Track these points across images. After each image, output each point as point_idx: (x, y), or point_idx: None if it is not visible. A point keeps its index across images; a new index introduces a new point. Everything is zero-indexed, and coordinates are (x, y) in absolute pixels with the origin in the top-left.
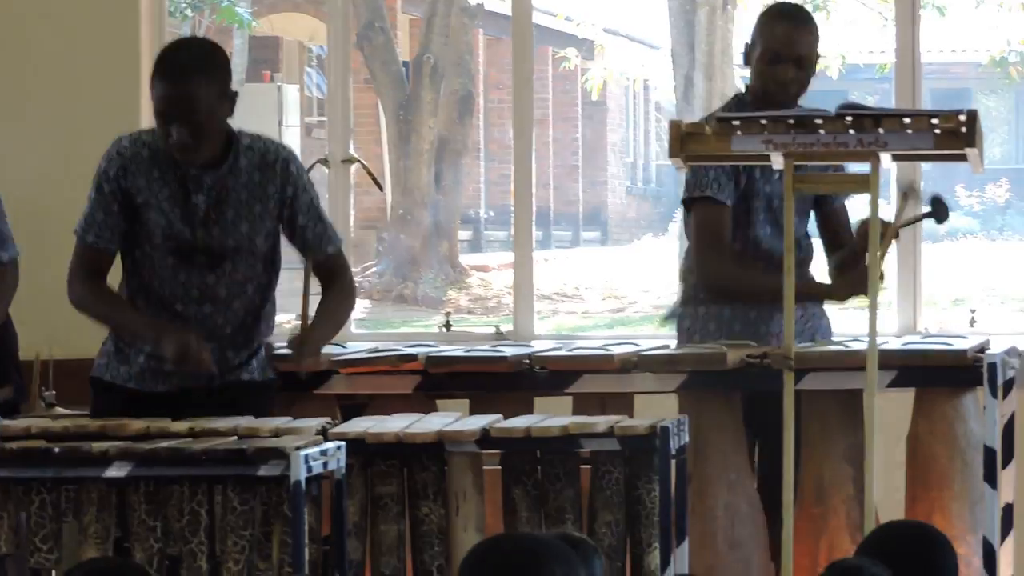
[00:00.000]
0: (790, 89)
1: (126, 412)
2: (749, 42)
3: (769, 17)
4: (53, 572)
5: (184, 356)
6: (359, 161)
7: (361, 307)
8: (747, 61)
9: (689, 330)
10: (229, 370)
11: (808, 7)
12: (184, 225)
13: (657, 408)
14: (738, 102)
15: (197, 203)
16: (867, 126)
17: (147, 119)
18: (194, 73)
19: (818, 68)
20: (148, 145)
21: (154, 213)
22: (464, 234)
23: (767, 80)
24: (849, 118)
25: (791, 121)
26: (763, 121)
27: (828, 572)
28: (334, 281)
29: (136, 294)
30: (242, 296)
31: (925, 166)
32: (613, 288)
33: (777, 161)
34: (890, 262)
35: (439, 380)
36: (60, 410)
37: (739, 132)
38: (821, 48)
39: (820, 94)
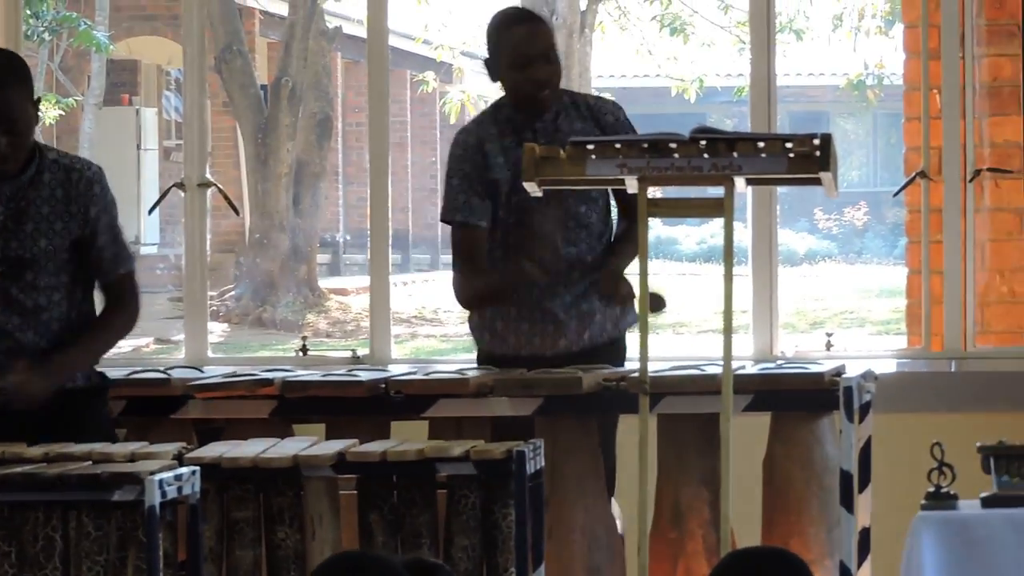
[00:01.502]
0: (552, 82)
1: None
2: (489, 57)
3: (503, 26)
4: None
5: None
6: (215, 185)
7: (219, 331)
8: (495, 76)
9: (479, 328)
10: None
11: (666, 30)
12: None
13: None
14: (496, 109)
15: None
16: (721, 150)
17: None
18: (10, 81)
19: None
20: None
21: None
22: (323, 257)
23: (526, 84)
24: (703, 142)
25: (645, 145)
26: (617, 145)
27: None
28: (118, 303)
29: None
30: (51, 308)
31: (782, 189)
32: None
33: (632, 185)
34: (744, 287)
35: (295, 405)
36: None
37: (593, 156)
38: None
39: (677, 117)
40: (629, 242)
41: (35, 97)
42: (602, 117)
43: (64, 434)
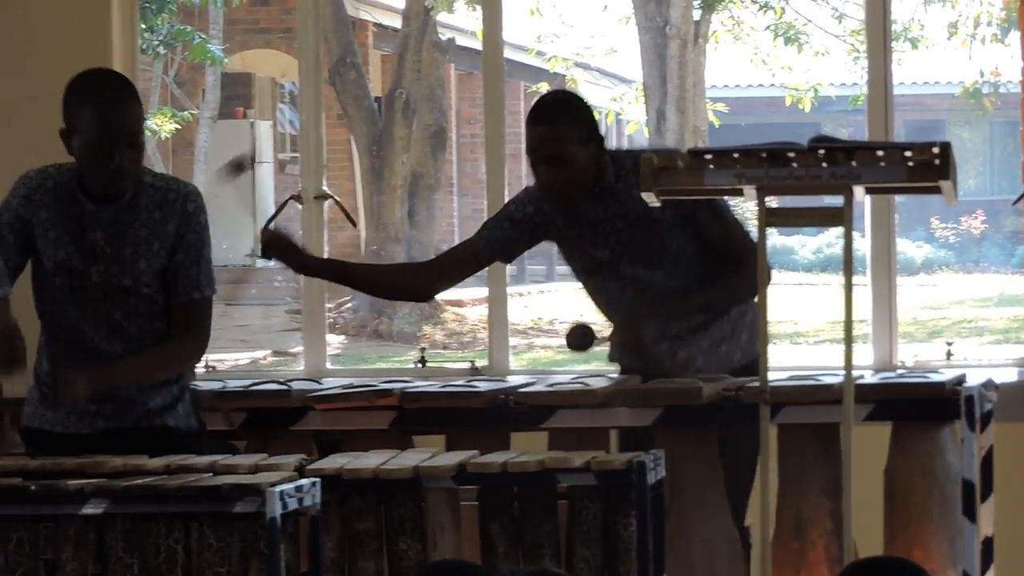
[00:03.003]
0: (556, 190)
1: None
2: None
3: (528, 121)
4: None
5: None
6: (332, 197)
7: (336, 343)
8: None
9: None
10: (151, 413)
11: (780, 39)
12: (81, 261)
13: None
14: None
15: (95, 239)
16: (840, 159)
17: None
18: (127, 97)
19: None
20: (53, 179)
21: (53, 248)
22: None
23: (539, 180)
24: (822, 151)
25: (763, 155)
26: (735, 155)
27: None
28: (185, 330)
29: (51, 338)
30: (153, 333)
31: (899, 198)
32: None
33: (750, 194)
34: (863, 296)
35: (415, 416)
36: None
37: (712, 166)
38: (791, 83)
39: (792, 126)
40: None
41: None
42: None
43: None
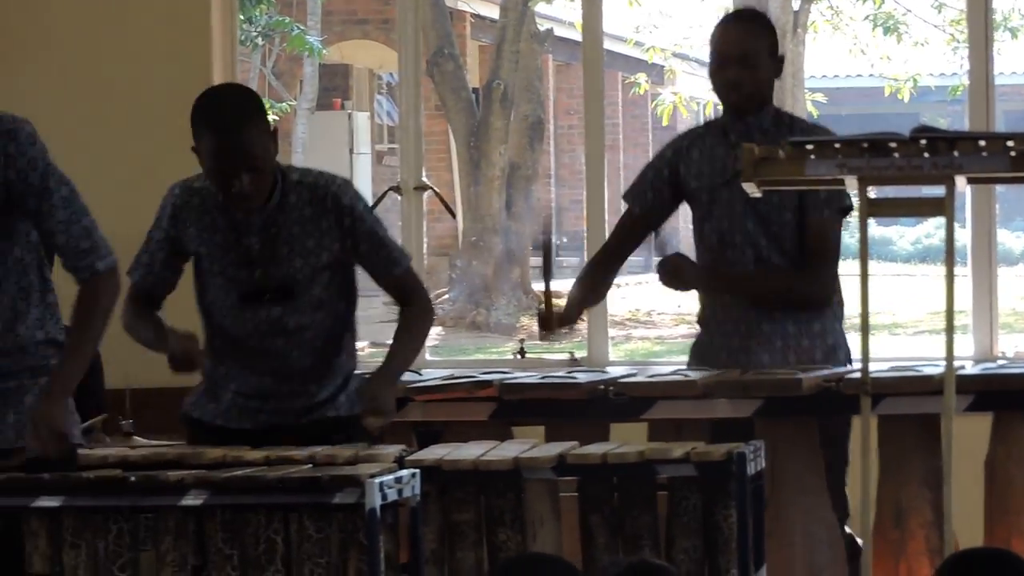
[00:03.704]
0: (741, 90)
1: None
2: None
3: (720, 23)
4: None
5: (176, 356)
6: (432, 188)
7: (434, 334)
8: (710, 75)
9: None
10: (315, 406)
11: (879, 29)
12: (240, 268)
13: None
14: (717, 115)
15: (250, 244)
16: (942, 149)
17: None
18: (244, 121)
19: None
20: (198, 192)
21: (208, 260)
22: (536, 260)
23: (718, 85)
24: (924, 141)
25: (865, 145)
26: (837, 145)
27: None
28: (407, 303)
29: (214, 336)
30: (314, 327)
31: (999, 188)
32: (686, 313)
33: (851, 185)
34: (963, 287)
35: (514, 407)
36: (138, 439)
37: (813, 156)
38: (890, 73)
39: (892, 117)
40: None
41: (271, 128)
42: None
43: None
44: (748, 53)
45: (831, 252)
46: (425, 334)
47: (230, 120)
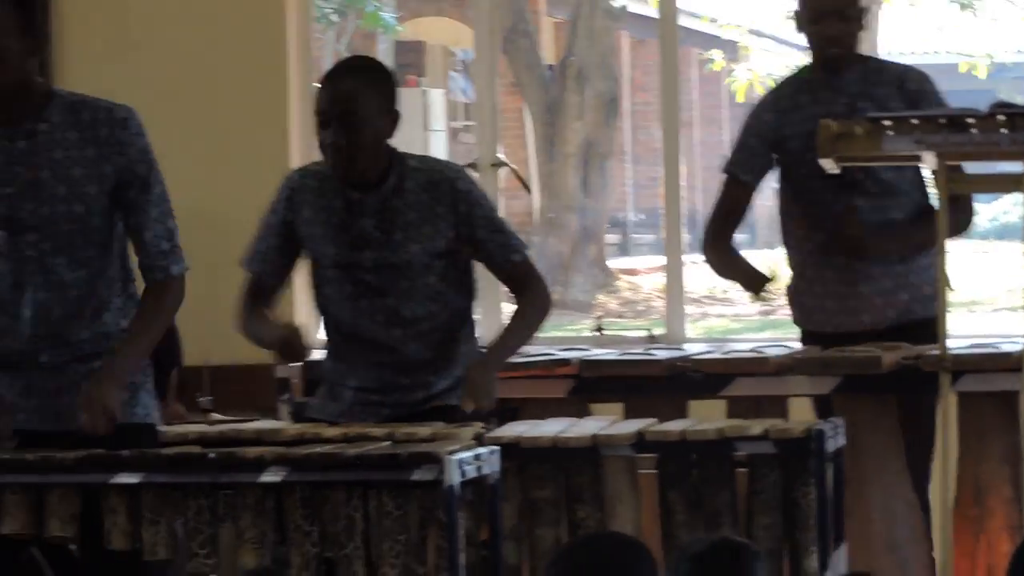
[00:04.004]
0: (842, 42)
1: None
2: (797, 8)
3: None
4: None
5: (281, 347)
6: (508, 165)
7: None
8: (800, 29)
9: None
10: (434, 396)
11: (955, 6)
12: (354, 250)
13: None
14: (801, 69)
15: (364, 227)
16: (1020, 125)
17: (295, 123)
18: (357, 78)
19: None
20: (316, 175)
21: (321, 244)
22: (612, 238)
23: (817, 39)
24: (1002, 117)
25: (942, 121)
26: (915, 121)
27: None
28: (522, 292)
29: (332, 333)
30: (430, 318)
31: None
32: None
33: (929, 161)
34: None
35: (593, 384)
36: (216, 416)
37: (890, 132)
38: (965, 51)
39: (968, 94)
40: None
41: (392, 108)
42: (906, 83)
43: None
44: (844, 6)
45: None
46: (539, 323)
47: (343, 69)
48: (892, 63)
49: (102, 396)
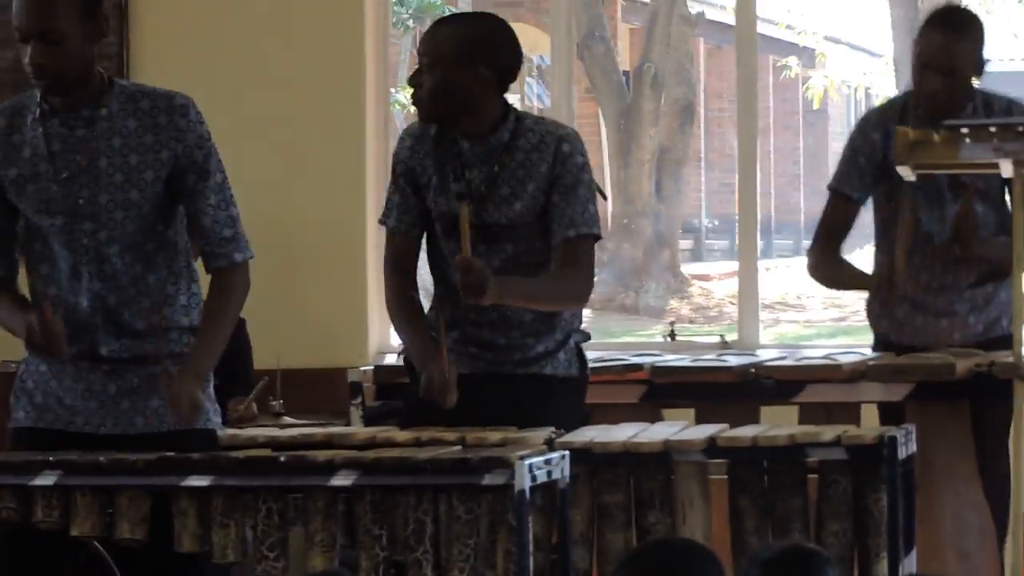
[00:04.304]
0: (936, 99)
1: (430, 412)
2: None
3: (928, 24)
4: None
5: (429, 382)
6: None
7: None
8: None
9: (879, 317)
10: (531, 359)
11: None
12: (456, 200)
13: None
14: (908, 95)
15: (471, 178)
16: None
17: (371, 125)
18: (450, 28)
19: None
20: (425, 130)
21: (434, 193)
22: (685, 243)
23: (918, 87)
24: None
25: (1021, 129)
26: (992, 129)
27: None
28: (563, 268)
29: (439, 283)
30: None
31: None
32: (835, 297)
33: (1006, 169)
34: None
35: (664, 389)
36: (288, 419)
37: (968, 140)
38: (988, 53)
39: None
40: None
41: (497, 66)
42: (1013, 116)
43: (542, 420)
44: (953, 67)
45: None
46: (561, 295)
47: (443, 23)
48: (1000, 97)
49: (187, 390)
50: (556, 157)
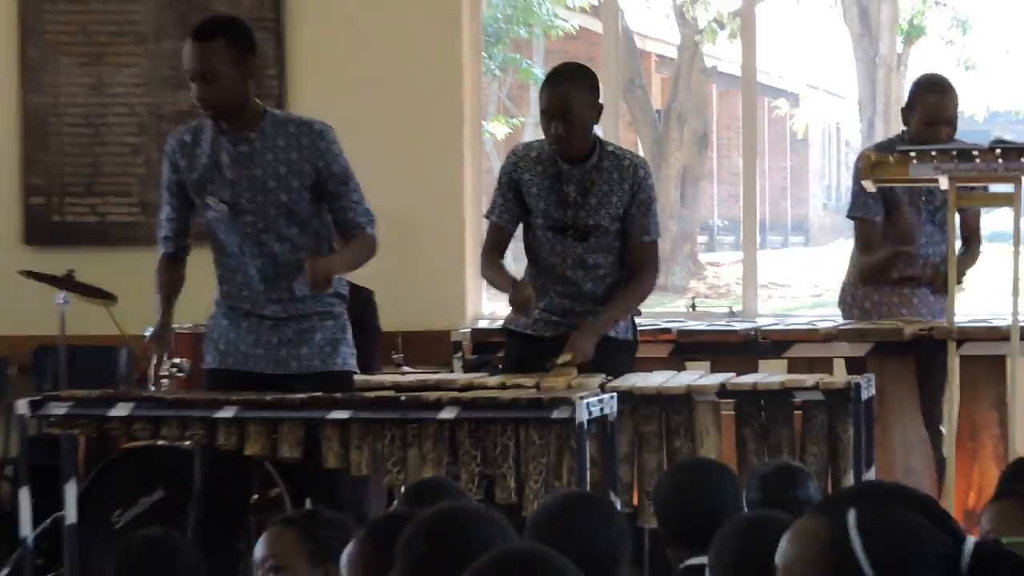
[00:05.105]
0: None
1: (525, 351)
2: (906, 107)
3: (922, 89)
4: (401, 488)
5: (516, 298)
6: None
7: None
8: (906, 121)
9: (851, 306)
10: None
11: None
12: (558, 208)
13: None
14: (900, 139)
15: (568, 192)
16: (1012, 156)
17: (468, 148)
18: (571, 82)
19: (966, 113)
20: (535, 149)
21: (535, 200)
22: (702, 239)
23: (928, 139)
24: (998, 150)
25: (954, 153)
26: (933, 153)
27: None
28: (635, 271)
29: (532, 263)
30: (606, 266)
31: None
32: (814, 279)
33: (943, 182)
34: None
35: (687, 347)
36: (407, 369)
37: (915, 161)
38: (968, 100)
39: (968, 134)
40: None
41: (597, 103)
42: None
43: (602, 371)
44: (951, 117)
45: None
46: (639, 300)
47: (558, 76)
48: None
49: (323, 268)
50: (635, 179)
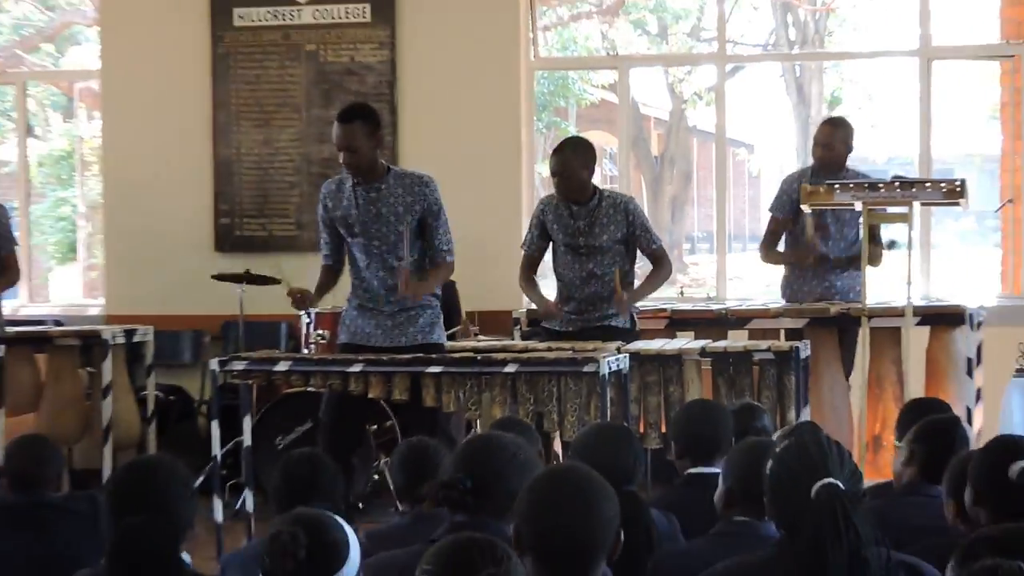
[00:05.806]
0: (823, 161)
1: (554, 341)
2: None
3: (822, 123)
4: (477, 422)
5: (543, 313)
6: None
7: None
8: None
9: (789, 294)
10: (606, 317)
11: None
12: (571, 237)
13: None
14: (810, 168)
15: (578, 226)
16: (907, 188)
17: (524, 183)
18: (563, 152)
19: (870, 158)
20: (555, 198)
21: (556, 232)
22: (686, 246)
23: (816, 158)
24: (898, 183)
25: (866, 185)
26: (851, 185)
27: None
28: (655, 266)
29: (558, 278)
30: (610, 275)
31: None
32: (765, 275)
33: (858, 205)
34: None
35: (678, 322)
36: (482, 338)
37: (838, 190)
38: (872, 149)
39: (873, 172)
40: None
41: (591, 163)
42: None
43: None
44: (831, 143)
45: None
46: (662, 283)
47: (560, 147)
48: (857, 172)
49: (413, 285)
50: (627, 211)
